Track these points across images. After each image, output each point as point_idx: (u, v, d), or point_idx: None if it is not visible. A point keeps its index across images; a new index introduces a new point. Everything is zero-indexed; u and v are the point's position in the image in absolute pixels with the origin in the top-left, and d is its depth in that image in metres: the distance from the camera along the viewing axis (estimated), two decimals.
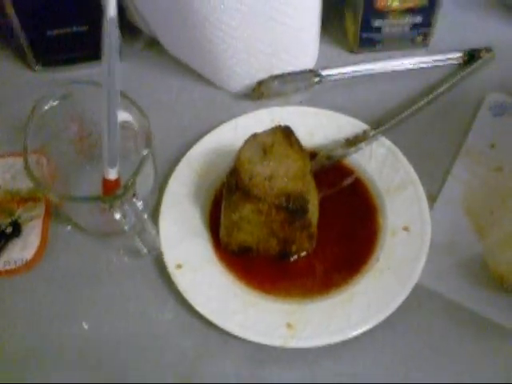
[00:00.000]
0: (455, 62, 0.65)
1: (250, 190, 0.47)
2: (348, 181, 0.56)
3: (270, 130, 0.50)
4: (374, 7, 0.60)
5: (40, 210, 0.55)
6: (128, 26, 0.66)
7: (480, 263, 0.51)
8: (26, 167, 0.47)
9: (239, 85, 0.63)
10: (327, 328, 0.47)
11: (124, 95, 0.48)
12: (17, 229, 0.54)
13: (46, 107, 0.51)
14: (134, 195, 0.47)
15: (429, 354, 0.48)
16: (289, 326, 0.48)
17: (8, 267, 0.52)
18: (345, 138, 0.57)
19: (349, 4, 0.65)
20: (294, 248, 0.51)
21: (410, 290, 0.49)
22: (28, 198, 0.56)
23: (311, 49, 0.63)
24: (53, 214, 0.56)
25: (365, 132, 0.58)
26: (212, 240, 0.53)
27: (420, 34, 0.64)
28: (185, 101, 0.64)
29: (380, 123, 0.58)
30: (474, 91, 0.63)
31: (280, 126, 0.50)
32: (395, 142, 0.57)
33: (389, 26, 0.62)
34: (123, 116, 0.49)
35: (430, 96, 0.61)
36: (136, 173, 0.47)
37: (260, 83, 0.61)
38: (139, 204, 0.47)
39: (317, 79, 0.62)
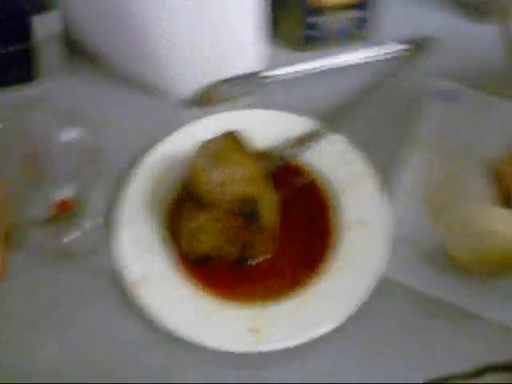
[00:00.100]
0: (401, 52, 0.65)
1: (204, 198, 0.46)
2: (302, 180, 0.56)
3: (219, 136, 0.50)
4: (310, 5, 0.60)
5: None
6: (69, 43, 0.64)
7: (441, 250, 0.52)
8: None
9: (186, 90, 0.62)
10: (292, 329, 0.47)
11: (70, 112, 0.47)
12: None
13: None
14: (86, 214, 0.46)
15: (398, 345, 0.48)
16: (254, 330, 0.47)
17: None
18: (296, 138, 0.57)
19: (288, 4, 0.65)
20: (253, 252, 0.51)
21: (374, 283, 0.49)
22: None
23: (256, 51, 0.63)
24: (9, 238, 0.54)
25: (316, 129, 0.58)
26: (171, 251, 0.52)
27: (362, 27, 0.64)
28: (132, 113, 0.62)
29: (330, 119, 0.58)
30: (421, 80, 0.63)
31: (229, 131, 0.50)
32: (349, 138, 0.57)
33: (329, 23, 0.62)
34: (71, 133, 0.48)
35: (378, 88, 0.61)
36: (87, 191, 0.46)
37: (207, 88, 0.61)
38: (93, 222, 0.46)
39: (265, 81, 0.62)
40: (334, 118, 0.59)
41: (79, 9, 0.59)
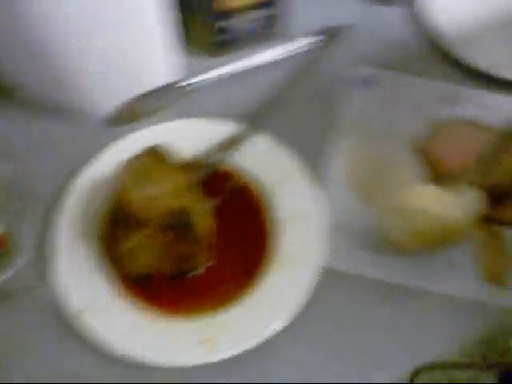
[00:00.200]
0: (316, 44, 0.66)
1: (134, 216, 0.46)
2: (233, 184, 0.56)
3: (142, 152, 0.49)
4: (217, 9, 0.60)
5: None
6: None
7: (379, 234, 0.53)
8: None
9: (105, 110, 0.60)
10: (243, 334, 0.47)
11: None
12: None
13: None
14: (18, 249, 0.45)
15: (350, 331, 0.49)
16: (205, 341, 0.47)
17: None
18: (221, 143, 0.57)
19: (196, 11, 0.64)
20: (195, 262, 0.50)
21: (318, 276, 0.50)
22: None
23: (170, 62, 0.62)
24: None
25: (240, 132, 0.58)
26: (111, 275, 0.51)
27: (272, 25, 0.65)
28: (56, 141, 0.60)
29: (253, 120, 0.59)
30: (339, 70, 0.64)
31: (151, 146, 0.49)
32: (274, 136, 0.58)
33: (239, 25, 0.62)
34: None
35: (297, 83, 0.62)
36: (17, 225, 0.45)
37: (126, 106, 0.60)
38: (26, 257, 0.45)
39: (184, 90, 0.62)
40: (256, 119, 0.59)
41: None
